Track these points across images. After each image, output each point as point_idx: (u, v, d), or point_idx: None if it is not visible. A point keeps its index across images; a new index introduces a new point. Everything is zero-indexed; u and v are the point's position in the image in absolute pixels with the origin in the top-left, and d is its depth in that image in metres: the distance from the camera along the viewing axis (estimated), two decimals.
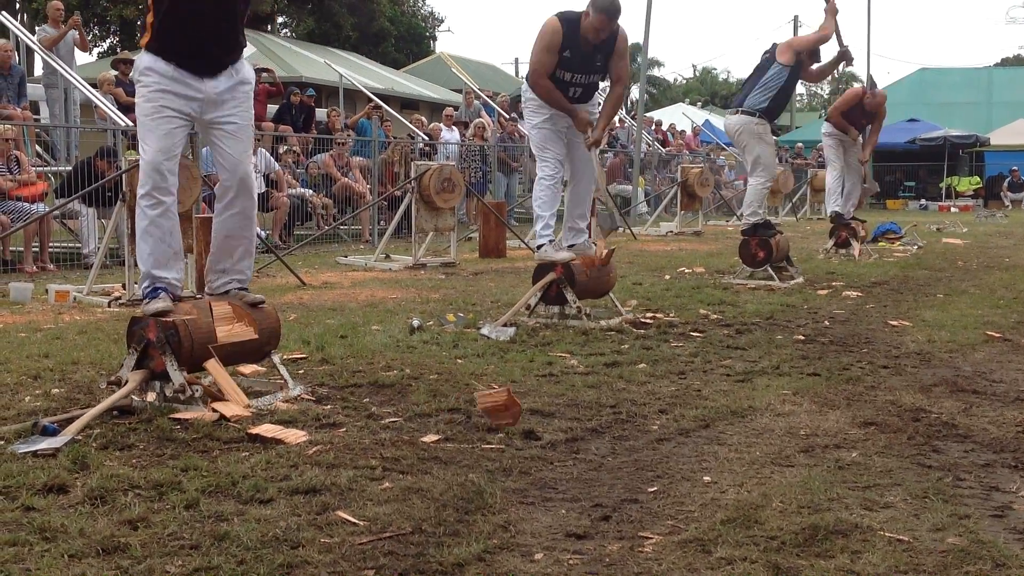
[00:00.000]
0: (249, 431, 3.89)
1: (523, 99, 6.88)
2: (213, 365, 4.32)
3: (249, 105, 4.58)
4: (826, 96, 67.87)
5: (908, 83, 39.02)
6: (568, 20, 6.43)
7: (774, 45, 9.29)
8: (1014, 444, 3.89)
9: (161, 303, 4.30)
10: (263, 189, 12.80)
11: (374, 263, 11.07)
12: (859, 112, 11.96)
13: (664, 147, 24.69)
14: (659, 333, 6.37)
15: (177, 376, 4.20)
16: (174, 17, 4.27)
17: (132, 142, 10.36)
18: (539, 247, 6.79)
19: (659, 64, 68.94)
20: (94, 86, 12.33)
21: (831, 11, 9.52)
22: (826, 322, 6.97)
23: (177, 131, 4.37)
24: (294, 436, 3.84)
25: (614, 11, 6.38)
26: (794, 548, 2.80)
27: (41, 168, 11.66)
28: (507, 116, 19.26)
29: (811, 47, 9.31)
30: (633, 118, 20.79)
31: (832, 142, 12.08)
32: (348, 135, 15.60)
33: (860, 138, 12.19)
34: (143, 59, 4.36)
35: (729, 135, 9.79)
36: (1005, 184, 30.88)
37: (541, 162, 6.78)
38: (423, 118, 19.16)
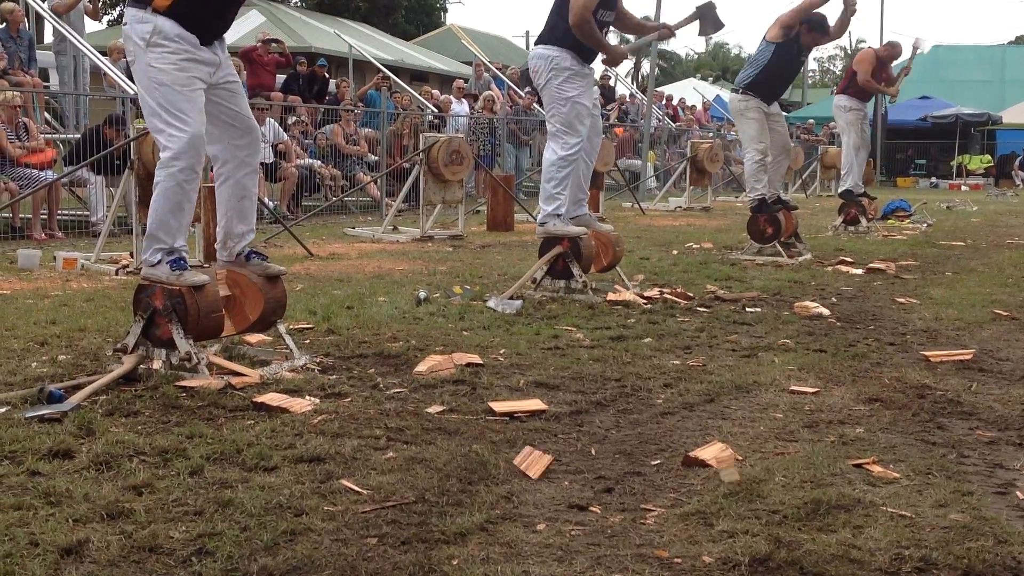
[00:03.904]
0: (254, 399, 3.90)
1: (550, 68, 6.42)
2: (216, 359, 4.38)
3: None
4: (838, 72, 67.47)
5: (921, 60, 38.56)
6: None
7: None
8: (1019, 422, 3.89)
9: (200, 276, 4.30)
10: (271, 159, 12.79)
11: (382, 235, 11.06)
12: (879, 70, 11.90)
13: (674, 122, 24.57)
14: (665, 308, 6.36)
15: (183, 344, 4.21)
16: None
17: (141, 111, 10.33)
18: (544, 222, 6.68)
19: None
20: (104, 54, 12.31)
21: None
22: (833, 299, 6.95)
23: (204, 102, 4.31)
24: (299, 405, 3.86)
25: None
26: (796, 522, 2.80)
27: (50, 135, 11.65)
28: (521, 93, 19.10)
29: (799, 17, 8.93)
30: (643, 92, 20.72)
31: (852, 117, 11.85)
32: (358, 106, 15.56)
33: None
34: (166, 25, 4.19)
35: None
36: (1016, 163, 30.71)
37: (569, 137, 6.41)
38: (433, 90, 19.08)
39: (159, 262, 4.30)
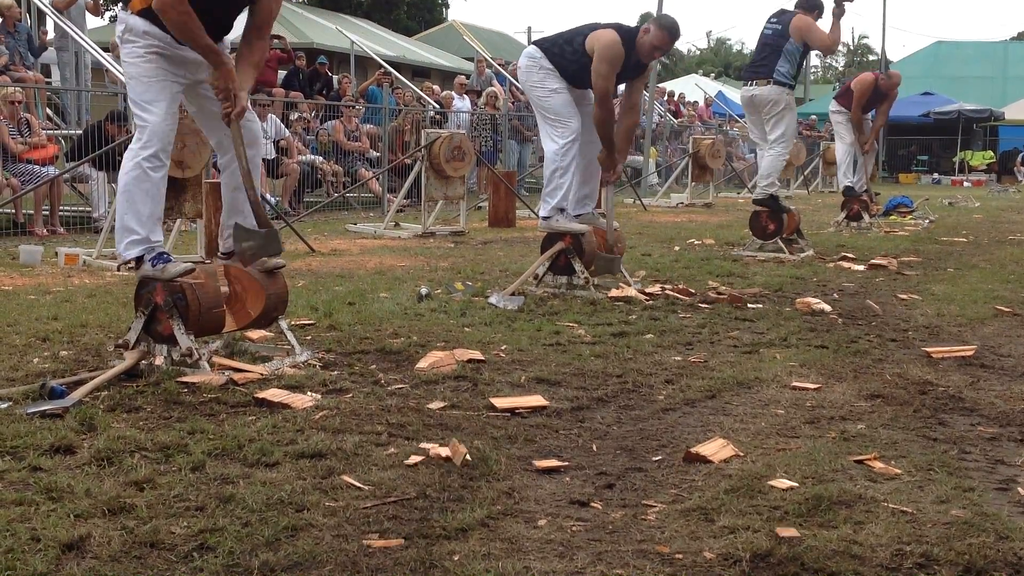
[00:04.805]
0: (256, 395, 3.90)
1: (530, 66, 6.59)
2: (221, 361, 4.40)
3: None
4: (840, 68, 67.41)
5: (923, 56, 38.74)
6: (626, 37, 6.39)
7: (782, 12, 8.89)
8: (1020, 418, 3.89)
9: (183, 264, 4.31)
10: (273, 156, 12.79)
11: (383, 231, 11.06)
12: (873, 97, 11.96)
13: (676, 118, 24.56)
14: (667, 304, 6.36)
15: (185, 340, 4.21)
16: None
17: None
18: (546, 217, 6.69)
19: None
20: (105, 49, 12.30)
21: (839, 14, 8.99)
22: (835, 295, 6.95)
23: (178, 94, 4.39)
24: (300, 401, 3.86)
25: (677, 32, 6.47)
26: (797, 518, 2.80)
27: (51, 131, 11.65)
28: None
29: (819, 46, 9.05)
30: (645, 88, 20.70)
31: (841, 118, 12.12)
32: (359, 102, 15.55)
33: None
34: (137, 22, 4.27)
35: (760, 105, 8.96)
36: (1019, 159, 30.67)
37: (563, 128, 6.49)
38: (435, 86, 19.08)
39: (140, 258, 4.31)
